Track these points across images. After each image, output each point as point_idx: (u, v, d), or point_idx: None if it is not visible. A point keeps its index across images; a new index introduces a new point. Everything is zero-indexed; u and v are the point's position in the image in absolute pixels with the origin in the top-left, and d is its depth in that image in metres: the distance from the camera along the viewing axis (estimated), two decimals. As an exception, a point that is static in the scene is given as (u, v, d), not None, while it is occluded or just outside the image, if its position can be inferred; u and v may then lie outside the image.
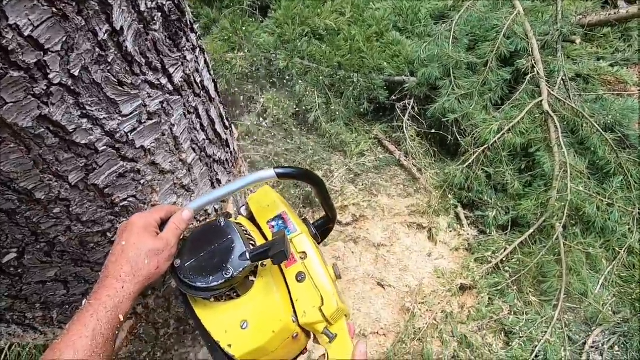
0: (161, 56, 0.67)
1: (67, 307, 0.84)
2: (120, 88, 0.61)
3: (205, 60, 0.86)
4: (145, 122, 0.68)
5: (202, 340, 0.63)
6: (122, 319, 0.57)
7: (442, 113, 2.20)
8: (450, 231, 2.16)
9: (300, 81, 2.31)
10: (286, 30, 2.31)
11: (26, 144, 0.53)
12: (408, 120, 2.43)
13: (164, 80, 0.69)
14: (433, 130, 2.41)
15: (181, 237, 0.67)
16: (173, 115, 0.74)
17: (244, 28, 2.41)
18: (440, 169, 2.35)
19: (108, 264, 0.60)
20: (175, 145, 0.78)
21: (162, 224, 0.67)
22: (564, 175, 1.95)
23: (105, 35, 0.56)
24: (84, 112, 0.57)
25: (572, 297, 1.89)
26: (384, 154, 2.49)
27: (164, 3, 0.66)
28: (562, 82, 2.14)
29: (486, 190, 2.14)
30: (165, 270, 0.63)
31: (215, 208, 0.98)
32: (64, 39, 0.51)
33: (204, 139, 0.87)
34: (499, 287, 1.93)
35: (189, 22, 0.75)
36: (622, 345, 1.83)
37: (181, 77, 0.74)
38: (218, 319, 0.63)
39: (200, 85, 0.82)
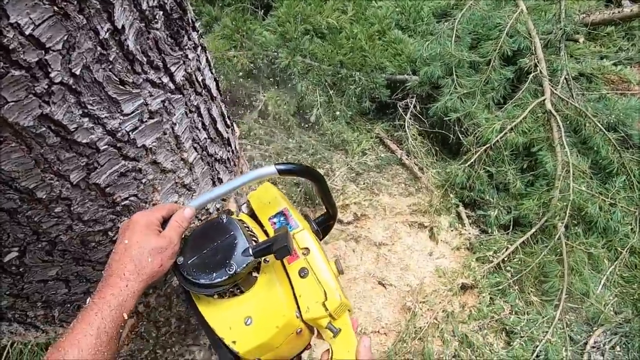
0: (163, 55, 0.67)
1: (69, 305, 0.84)
2: (121, 87, 0.61)
3: (207, 59, 0.85)
4: (146, 121, 0.68)
5: (206, 337, 0.64)
6: (126, 317, 0.57)
7: (444, 112, 2.19)
8: (452, 230, 2.16)
9: (301, 79, 2.30)
10: (288, 28, 2.30)
11: (27, 143, 0.53)
12: (410, 119, 2.42)
13: (165, 79, 0.69)
14: (435, 129, 2.40)
15: (183, 235, 0.67)
16: (174, 114, 0.74)
17: (245, 26, 2.40)
18: (442, 168, 2.34)
19: (111, 263, 0.60)
20: (176, 144, 0.77)
21: (164, 222, 0.67)
22: (566, 174, 1.94)
23: (107, 33, 0.56)
24: (86, 111, 0.57)
25: (573, 297, 1.89)
26: (385, 153, 2.48)
27: (166, 1, 0.66)
28: (565, 81, 2.13)
29: (488, 189, 2.14)
30: (169, 268, 0.63)
31: (216, 207, 0.98)
32: (65, 38, 0.50)
33: (205, 138, 0.86)
34: (500, 287, 1.93)
35: (190, 21, 0.75)
36: (624, 346, 1.83)
37: (183, 76, 0.73)
38: (222, 316, 0.63)
39: (201, 83, 0.81)
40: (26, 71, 0.48)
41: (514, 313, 1.88)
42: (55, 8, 0.48)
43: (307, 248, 0.69)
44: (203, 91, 0.83)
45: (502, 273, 1.97)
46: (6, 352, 1.69)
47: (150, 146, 0.71)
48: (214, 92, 0.89)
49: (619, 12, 2.37)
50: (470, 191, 2.17)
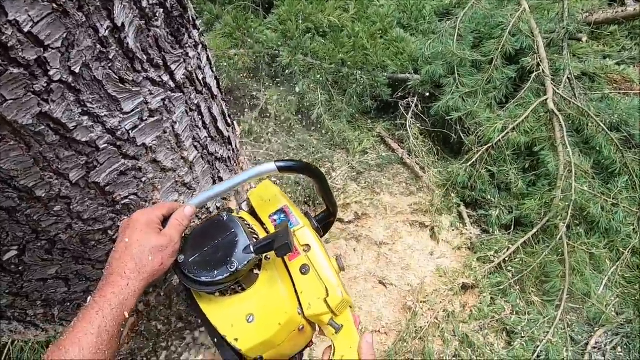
0: (163, 53, 0.67)
1: (68, 304, 0.84)
2: (121, 85, 0.60)
3: (208, 57, 0.85)
4: (146, 120, 0.68)
5: (208, 335, 0.63)
6: (127, 316, 0.57)
7: (446, 111, 2.19)
8: (453, 230, 2.15)
9: (303, 78, 2.29)
10: (289, 26, 2.29)
11: (26, 142, 0.53)
12: (411, 118, 2.42)
13: (165, 77, 0.69)
14: (436, 129, 2.39)
15: (184, 233, 0.67)
16: (175, 113, 0.74)
17: (247, 24, 2.40)
18: (444, 167, 2.33)
19: (112, 261, 0.60)
20: (177, 142, 0.77)
21: (165, 221, 0.67)
22: (568, 174, 1.93)
23: (107, 31, 0.55)
24: (85, 109, 0.57)
25: (575, 297, 1.88)
26: (386, 152, 2.47)
27: (166, -1, 0.65)
28: (567, 80, 2.12)
29: (489, 189, 2.13)
30: (169, 267, 0.63)
31: (217, 206, 0.98)
32: (64, 36, 0.50)
33: (206, 137, 0.86)
34: (501, 287, 1.92)
35: (191, 19, 0.75)
36: (625, 347, 1.82)
37: (183, 74, 0.73)
38: (224, 313, 0.63)
39: (202, 82, 0.81)
40: (25, 69, 0.48)
41: (514, 313, 1.88)
42: (54, 5, 0.48)
43: (308, 245, 0.69)
44: (204, 90, 0.82)
45: (503, 273, 1.96)
46: (7, 349, 1.69)
47: (151, 145, 0.70)
48: (215, 90, 0.89)
49: (622, 11, 2.36)
50: (471, 191, 2.17)
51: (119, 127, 0.63)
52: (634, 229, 1.92)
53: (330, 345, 0.64)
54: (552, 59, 2.16)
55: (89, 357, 0.51)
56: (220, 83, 0.94)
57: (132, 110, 0.64)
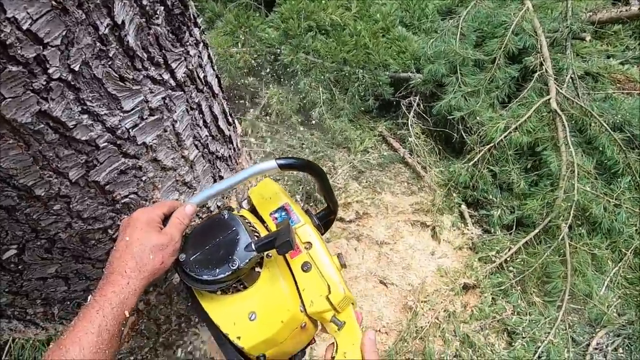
0: (163, 51, 0.66)
1: (68, 303, 0.84)
2: (121, 83, 0.60)
3: (209, 55, 0.84)
4: (147, 118, 0.67)
5: (210, 333, 0.63)
6: (127, 315, 0.57)
7: (448, 110, 2.18)
8: (454, 230, 2.15)
9: (304, 77, 2.29)
10: (291, 24, 2.29)
11: (25, 140, 0.52)
12: (413, 117, 2.41)
13: (166, 76, 0.68)
14: (438, 128, 2.39)
15: (184, 232, 0.67)
16: (175, 112, 0.73)
17: (248, 23, 2.39)
18: (445, 167, 2.33)
19: (112, 260, 0.60)
20: (177, 141, 0.77)
21: (165, 220, 0.67)
22: (570, 175, 1.92)
23: (107, 29, 0.55)
24: (85, 107, 0.56)
25: (576, 298, 1.87)
26: (388, 151, 2.47)
27: (167, -4, 0.65)
28: (570, 80, 2.10)
29: (491, 189, 2.12)
30: (170, 266, 0.63)
31: (217, 204, 0.97)
32: (63, 33, 0.50)
33: (206, 136, 0.85)
34: (502, 287, 1.92)
35: (192, 16, 0.74)
36: (627, 348, 1.82)
37: (184, 73, 0.72)
38: (226, 312, 0.63)
39: (203, 80, 0.80)
40: (24, 67, 0.47)
41: (516, 313, 1.87)
42: (54, 2, 0.47)
43: (309, 242, 0.69)
44: (205, 88, 0.82)
45: (504, 273, 1.96)
46: (8, 346, 1.70)
47: (151, 144, 0.70)
48: (216, 89, 0.88)
49: (626, 10, 2.34)
50: (473, 190, 2.16)
51: (119, 126, 0.63)
52: (636, 230, 1.91)
53: (333, 343, 0.63)
54: (555, 58, 2.15)
55: (89, 356, 0.51)
56: (222, 81, 0.94)
57: (132, 109, 0.63)
